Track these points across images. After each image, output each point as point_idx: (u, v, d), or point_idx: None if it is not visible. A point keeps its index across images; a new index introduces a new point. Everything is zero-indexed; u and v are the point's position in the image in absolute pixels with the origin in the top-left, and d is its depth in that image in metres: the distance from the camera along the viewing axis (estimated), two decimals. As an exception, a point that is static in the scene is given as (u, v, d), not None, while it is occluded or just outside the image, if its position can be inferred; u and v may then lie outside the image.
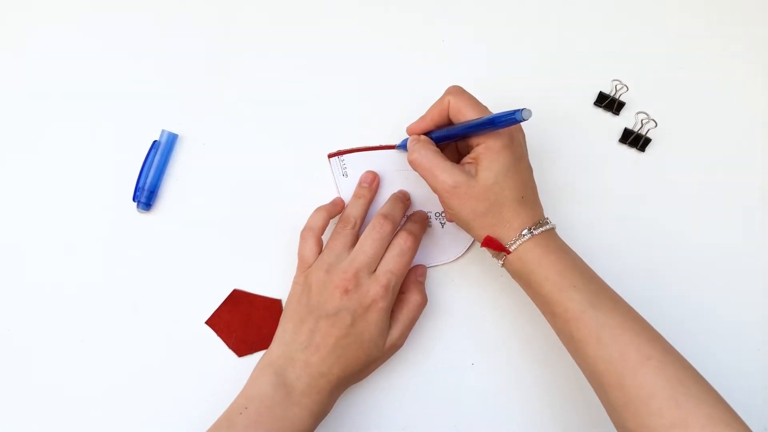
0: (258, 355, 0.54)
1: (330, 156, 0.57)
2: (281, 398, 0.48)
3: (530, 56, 0.59)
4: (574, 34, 0.59)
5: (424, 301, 0.53)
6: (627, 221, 0.57)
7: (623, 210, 0.57)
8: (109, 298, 0.55)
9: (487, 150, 0.48)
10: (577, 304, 0.46)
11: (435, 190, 0.49)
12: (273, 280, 0.55)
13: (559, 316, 0.47)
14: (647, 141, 0.57)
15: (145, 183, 0.55)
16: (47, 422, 0.54)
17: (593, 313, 0.45)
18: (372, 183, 0.55)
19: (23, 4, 0.58)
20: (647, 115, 0.57)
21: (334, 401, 0.51)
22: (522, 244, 0.47)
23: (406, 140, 0.54)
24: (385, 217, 0.52)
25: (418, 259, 0.55)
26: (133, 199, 0.55)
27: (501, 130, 0.48)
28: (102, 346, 0.55)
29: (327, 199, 0.56)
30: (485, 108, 0.49)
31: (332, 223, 0.55)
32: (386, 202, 0.54)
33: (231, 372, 0.54)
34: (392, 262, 0.51)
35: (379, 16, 0.59)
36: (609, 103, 0.58)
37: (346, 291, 0.49)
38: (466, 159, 0.50)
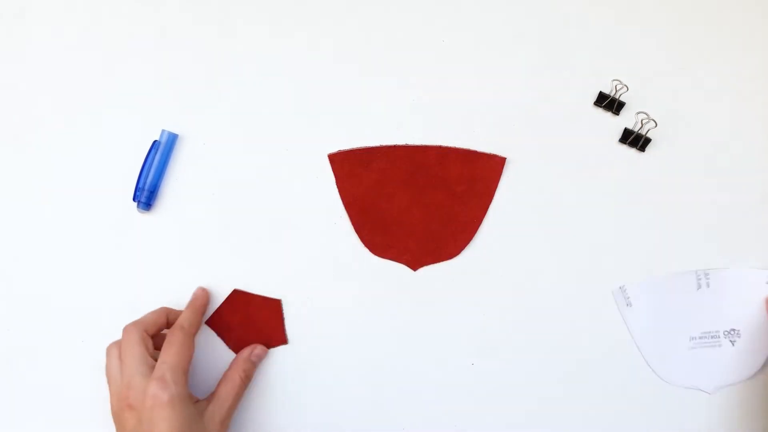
0: (258, 355, 0.54)
1: (330, 156, 0.57)
2: None
3: (530, 56, 0.59)
4: (574, 34, 0.59)
5: (241, 378, 0.52)
6: (627, 221, 0.57)
7: (623, 210, 0.57)
8: (109, 298, 0.55)
9: None
10: None
11: None
12: (273, 280, 0.55)
13: None
14: (647, 141, 0.57)
15: (145, 183, 0.55)
16: (47, 422, 0.54)
17: None
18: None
19: (23, 4, 0.58)
20: (647, 115, 0.57)
21: None
22: None
23: None
24: (133, 324, 0.50)
25: (712, 369, 0.55)
26: (133, 199, 0.55)
27: None
28: (102, 346, 0.54)
29: (327, 198, 0.56)
30: None
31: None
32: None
33: (231, 372, 0.54)
34: (163, 354, 0.48)
35: (379, 17, 0.59)
36: (609, 103, 0.58)
37: (131, 406, 0.46)
38: None
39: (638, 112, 0.58)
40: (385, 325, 0.56)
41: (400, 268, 0.56)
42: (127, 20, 0.58)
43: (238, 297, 0.55)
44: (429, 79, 0.58)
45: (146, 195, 0.55)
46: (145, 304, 0.55)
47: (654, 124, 0.57)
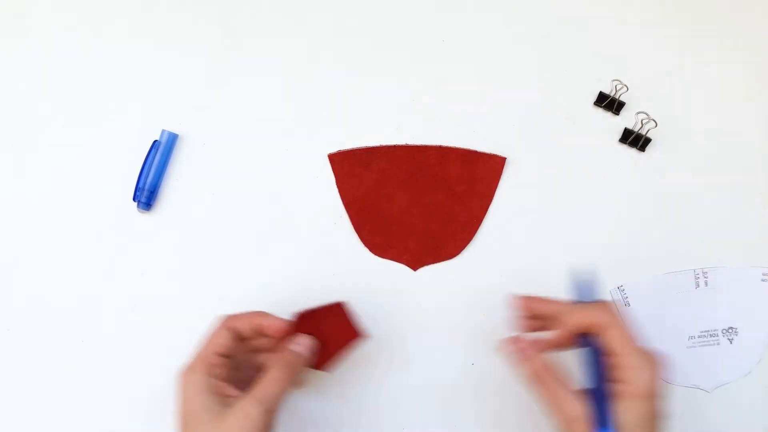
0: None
1: (330, 156, 0.57)
2: None
3: (530, 56, 0.59)
4: (574, 34, 0.59)
5: (278, 371, 0.46)
6: (626, 221, 0.57)
7: (622, 210, 0.57)
8: (109, 298, 0.55)
9: (630, 391, 0.42)
10: None
11: (550, 412, 0.44)
12: (273, 280, 0.55)
13: None
14: (647, 141, 0.57)
15: (145, 183, 0.55)
16: (47, 422, 0.54)
17: None
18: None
19: (24, 4, 0.58)
20: (647, 115, 0.57)
21: None
22: None
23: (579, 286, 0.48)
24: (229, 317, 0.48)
25: (710, 368, 0.55)
26: (133, 199, 0.55)
27: (656, 376, 0.42)
28: (102, 346, 0.55)
29: (327, 198, 0.56)
30: (637, 341, 0.43)
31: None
32: None
33: (231, 372, 0.54)
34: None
35: (380, 17, 0.59)
36: (609, 103, 0.58)
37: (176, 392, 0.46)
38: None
39: (638, 112, 0.58)
40: (385, 325, 0.56)
41: (400, 268, 0.56)
42: (127, 20, 0.58)
43: (301, 318, 0.50)
44: (429, 79, 0.58)
45: (146, 195, 0.55)
46: (144, 304, 0.55)
47: (654, 124, 0.57)
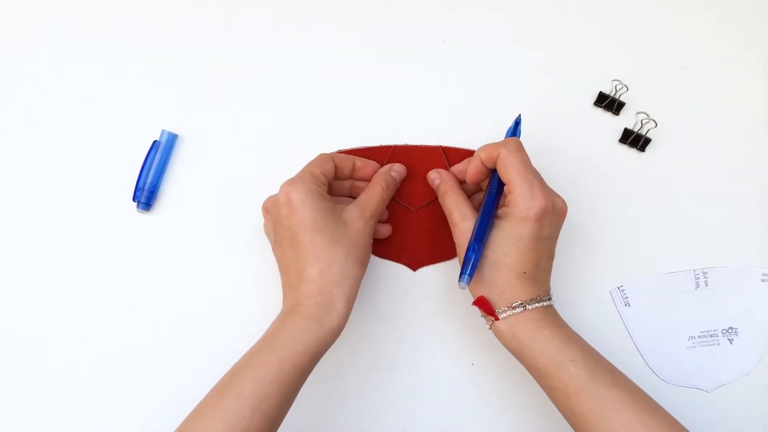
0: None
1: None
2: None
3: (530, 56, 0.59)
4: (574, 34, 0.59)
5: (382, 188, 0.52)
6: (627, 221, 0.57)
7: (623, 210, 0.57)
8: (108, 298, 0.55)
9: (511, 213, 0.47)
10: (576, 379, 0.45)
11: (451, 227, 0.51)
12: (273, 281, 0.55)
13: (558, 391, 0.46)
14: (647, 141, 0.57)
15: (145, 183, 0.55)
16: (47, 422, 0.54)
17: (593, 388, 0.44)
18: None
19: (24, 3, 0.58)
20: (647, 115, 0.57)
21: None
22: (513, 316, 0.47)
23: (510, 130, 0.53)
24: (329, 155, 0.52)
25: (710, 368, 0.56)
26: (133, 199, 0.55)
27: (535, 206, 0.46)
28: (102, 346, 0.55)
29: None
30: (533, 174, 0.47)
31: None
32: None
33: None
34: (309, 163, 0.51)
35: (380, 16, 0.59)
36: (609, 103, 0.58)
37: (266, 209, 0.51)
38: (497, 212, 0.49)
39: (638, 112, 0.58)
40: (385, 325, 0.56)
41: (400, 268, 0.56)
42: (127, 20, 0.58)
43: (398, 153, 0.56)
44: (429, 79, 0.58)
45: (146, 195, 0.55)
46: (144, 304, 0.55)
47: (654, 124, 0.57)
